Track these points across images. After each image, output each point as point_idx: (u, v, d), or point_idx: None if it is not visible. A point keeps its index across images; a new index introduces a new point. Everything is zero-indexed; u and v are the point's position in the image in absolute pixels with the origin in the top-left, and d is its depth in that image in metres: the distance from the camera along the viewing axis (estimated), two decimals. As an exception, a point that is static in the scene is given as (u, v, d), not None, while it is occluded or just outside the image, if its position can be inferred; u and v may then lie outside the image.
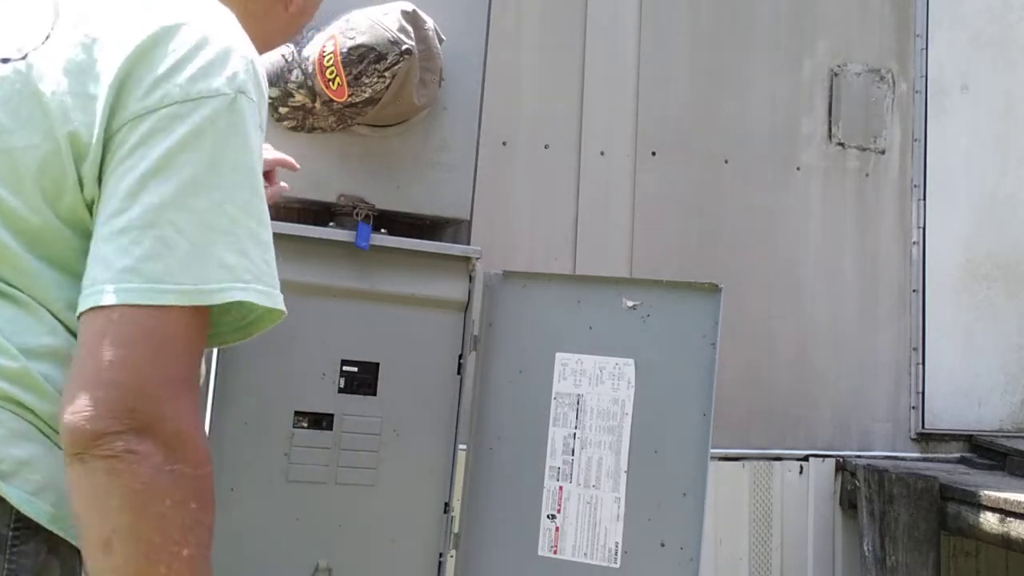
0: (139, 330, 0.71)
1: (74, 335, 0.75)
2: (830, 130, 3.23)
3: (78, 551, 0.73)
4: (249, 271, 0.77)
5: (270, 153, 1.42)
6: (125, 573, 0.69)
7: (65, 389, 0.71)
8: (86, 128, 0.76)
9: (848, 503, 3.03)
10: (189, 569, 0.70)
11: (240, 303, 0.77)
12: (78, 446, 0.69)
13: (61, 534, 0.74)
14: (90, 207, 0.77)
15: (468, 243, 1.79)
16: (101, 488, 0.69)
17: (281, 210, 1.67)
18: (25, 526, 0.73)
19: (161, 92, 0.76)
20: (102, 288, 0.71)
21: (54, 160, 0.76)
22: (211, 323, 0.79)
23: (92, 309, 0.71)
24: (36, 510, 0.73)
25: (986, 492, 2.62)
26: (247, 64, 0.80)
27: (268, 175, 1.45)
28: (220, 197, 0.75)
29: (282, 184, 1.42)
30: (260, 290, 0.77)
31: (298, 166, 1.48)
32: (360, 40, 1.49)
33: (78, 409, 0.69)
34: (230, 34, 0.81)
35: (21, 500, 0.73)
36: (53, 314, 0.77)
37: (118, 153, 0.75)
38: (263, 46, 0.96)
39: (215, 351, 1.58)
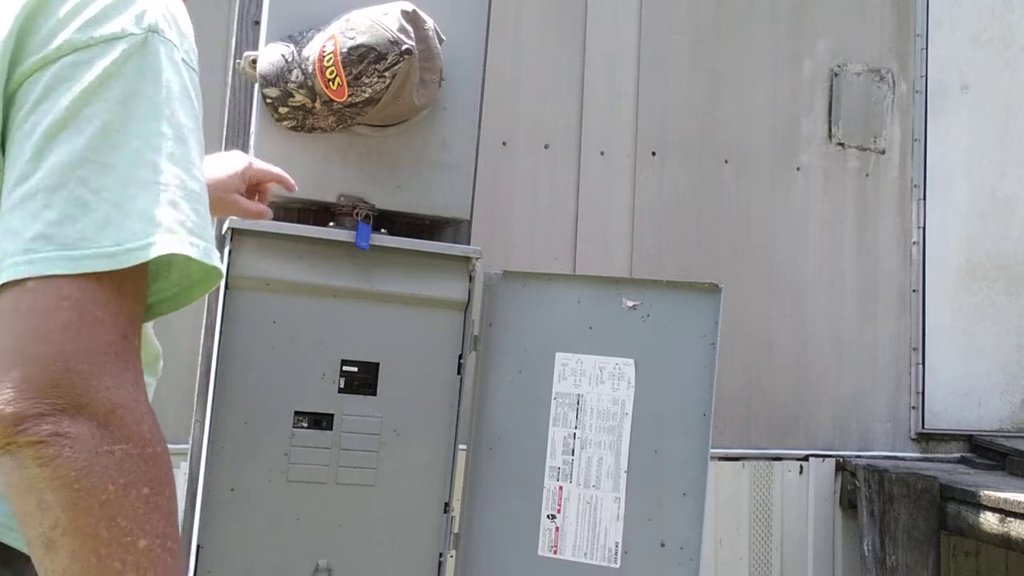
0: (56, 300, 0.63)
1: None
2: (830, 130, 3.23)
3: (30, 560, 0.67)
4: (180, 223, 0.68)
5: (264, 165, 1.39)
6: (74, 574, 0.61)
7: None
8: None
9: (848, 503, 3.04)
10: (149, 561, 0.63)
11: (173, 265, 0.70)
12: (1, 436, 0.61)
13: (11, 544, 0.70)
14: None
15: (468, 243, 1.79)
16: (34, 480, 0.61)
17: (281, 210, 1.67)
18: None
19: (60, 39, 0.67)
20: (11, 262, 0.63)
21: None
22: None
23: (3, 286, 0.63)
24: (4, 532, 0.68)
25: (986, 492, 2.62)
26: (156, 1, 0.72)
27: (262, 189, 1.43)
28: (138, 146, 0.68)
29: (266, 209, 1.40)
30: (194, 243, 0.69)
31: (294, 184, 1.46)
32: (360, 40, 1.49)
33: None
34: None
35: None
36: None
37: (20, 114, 0.67)
38: None
39: (214, 350, 1.58)
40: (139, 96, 0.69)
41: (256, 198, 1.41)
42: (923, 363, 3.25)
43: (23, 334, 0.62)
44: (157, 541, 0.64)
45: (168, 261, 0.69)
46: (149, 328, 0.86)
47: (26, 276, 0.63)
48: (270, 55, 1.57)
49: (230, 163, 1.35)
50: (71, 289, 0.63)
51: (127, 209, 0.66)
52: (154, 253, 0.66)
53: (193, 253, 0.68)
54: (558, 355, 1.78)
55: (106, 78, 0.68)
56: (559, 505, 1.75)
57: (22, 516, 0.63)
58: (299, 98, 1.56)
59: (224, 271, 0.70)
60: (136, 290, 0.68)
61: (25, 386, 0.61)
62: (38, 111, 0.66)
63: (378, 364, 1.67)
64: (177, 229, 0.68)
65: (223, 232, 1.63)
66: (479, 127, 1.75)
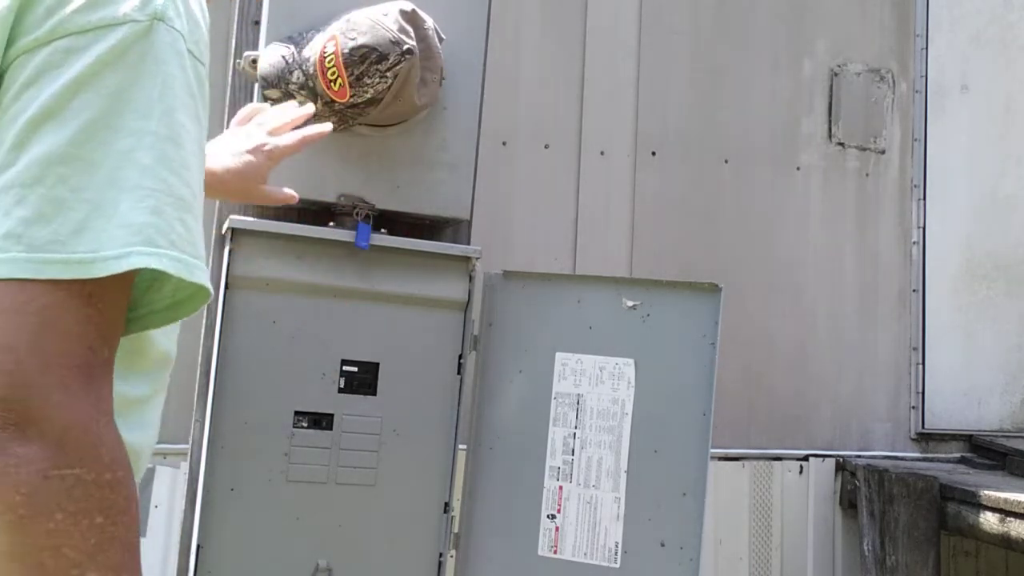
0: (17, 306, 0.57)
1: None
2: (830, 130, 3.23)
3: None
4: (163, 234, 0.62)
5: (281, 141, 1.24)
6: None
7: None
8: None
9: (848, 503, 3.04)
10: None
11: (168, 276, 0.64)
12: None
13: None
14: None
15: (468, 243, 1.79)
16: None
17: (281, 210, 1.67)
18: None
19: (56, 20, 0.62)
20: None
21: None
22: (135, 300, 0.66)
23: None
24: None
25: (986, 492, 2.62)
26: None
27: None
28: (127, 145, 0.62)
29: (287, 190, 1.29)
30: (176, 258, 0.63)
31: (296, 197, 1.34)
32: (361, 40, 1.49)
33: None
34: None
35: None
36: None
37: (6, 97, 0.62)
38: None
39: (214, 350, 1.58)
40: (134, 89, 0.63)
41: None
42: (923, 363, 3.25)
43: None
44: (110, 575, 0.59)
45: (154, 272, 0.64)
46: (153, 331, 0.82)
47: None
48: (270, 56, 1.57)
49: (242, 146, 1.24)
50: (35, 293, 0.58)
51: (107, 213, 0.60)
52: (129, 265, 0.60)
53: (172, 269, 0.62)
54: (558, 355, 1.78)
55: (101, 68, 0.62)
56: (559, 505, 1.75)
57: None
58: (301, 99, 1.56)
59: (211, 289, 0.68)
60: (112, 300, 0.62)
61: None
62: (24, 97, 0.61)
63: (378, 364, 1.67)
64: (160, 241, 0.62)
65: (223, 232, 1.63)
66: (479, 127, 1.75)
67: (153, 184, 0.62)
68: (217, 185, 1.20)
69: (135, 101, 0.63)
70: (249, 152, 1.23)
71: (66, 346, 0.59)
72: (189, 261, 0.64)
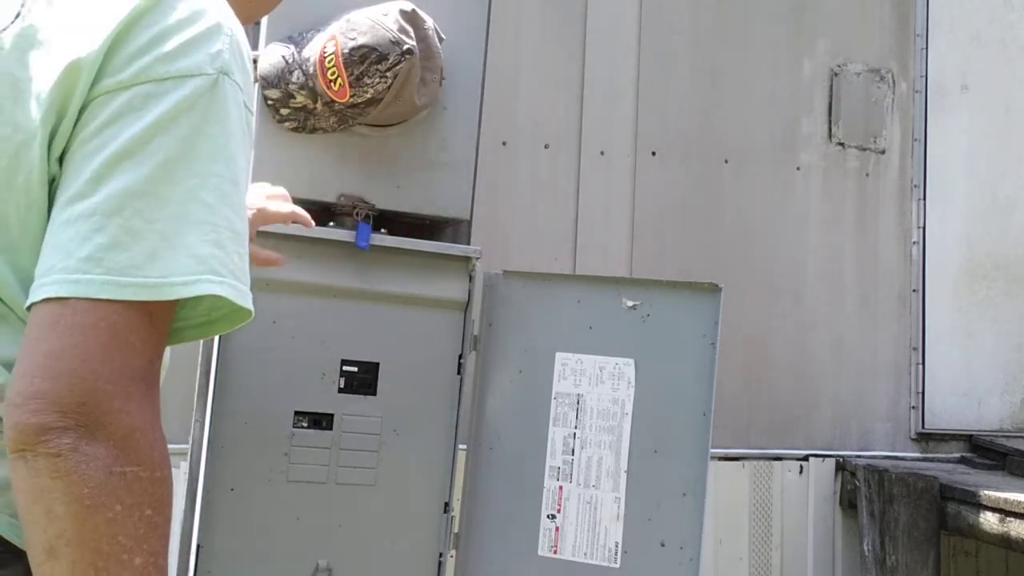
0: (93, 321, 0.65)
1: None
2: (830, 130, 3.23)
3: None
4: (224, 264, 0.70)
5: (278, 206, 1.36)
6: None
7: (11, 381, 0.65)
8: (60, 103, 0.69)
9: (848, 503, 3.04)
10: None
11: (204, 297, 0.71)
12: (21, 442, 0.63)
13: (15, 543, 0.70)
14: (50, 185, 0.70)
15: (468, 243, 1.79)
16: (45, 490, 0.63)
17: (281, 210, 1.67)
18: (6, 550, 0.70)
19: (137, 67, 0.69)
20: (58, 278, 0.66)
21: (24, 148, 0.70)
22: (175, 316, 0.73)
23: (45, 300, 0.65)
24: (18, 533, 0.68)
25: (986, 492, 2.62)
26: (232, 42, 0.74)
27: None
28: (195, 184, 0.70)
29: (279, 257, 1.39)
30: (234, 285, 0.71)
31: (313, 223, 1.44)
32: (361, 40, 1.49)
33: (21, 401, 0.63)
34: (218, 9, 0.75)
35: (2, 524, 0.69)
36: (20, 318, 0.71)
37: (85, 131, 0.69)
38: (245, 19, 0.89)
39: (214, 351, 1.58)
40: (203, 135, 0.71)
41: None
42: (923, 363, 3.25)
43: (59, 349, 0.64)
44: (151, 559, 0.66)
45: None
46: None
47: (71, 295, 0.65)
48: (270, 56, 1.57)
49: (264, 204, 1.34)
50: (108, 312, 0.66)
51: (176, 244, 0.68)
52: (197, 291, 0.68)
53: (233, 296, 0.71)
54: (558, 355, 1.78)
55: (176, 114, 0.69)
56: (559, 505, 1.75)
57: (28, 520, 0.64)
58: (300, 99, 1.56)
59: (253, 311, 0.75)
60: (165, 319, 0.70)
61: (51, 401, 0.63)
62: (104, 133, 0.68)
63: (378, 364, 1.67)
64: (221, 271, 0.70)
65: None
66: (479, 127, 1.75)
67: (216, 220, 0.70)
68: None
69: (204, 145, 0.71)
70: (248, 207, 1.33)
71: (132, 360, 0.67)
72: (242, 289, 0.73)
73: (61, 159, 0.70)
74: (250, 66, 0.79)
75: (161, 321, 0.69)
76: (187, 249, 0.68)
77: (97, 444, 0.64)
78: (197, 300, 0.72)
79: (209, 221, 0.70)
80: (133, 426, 0.66)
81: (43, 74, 0.70)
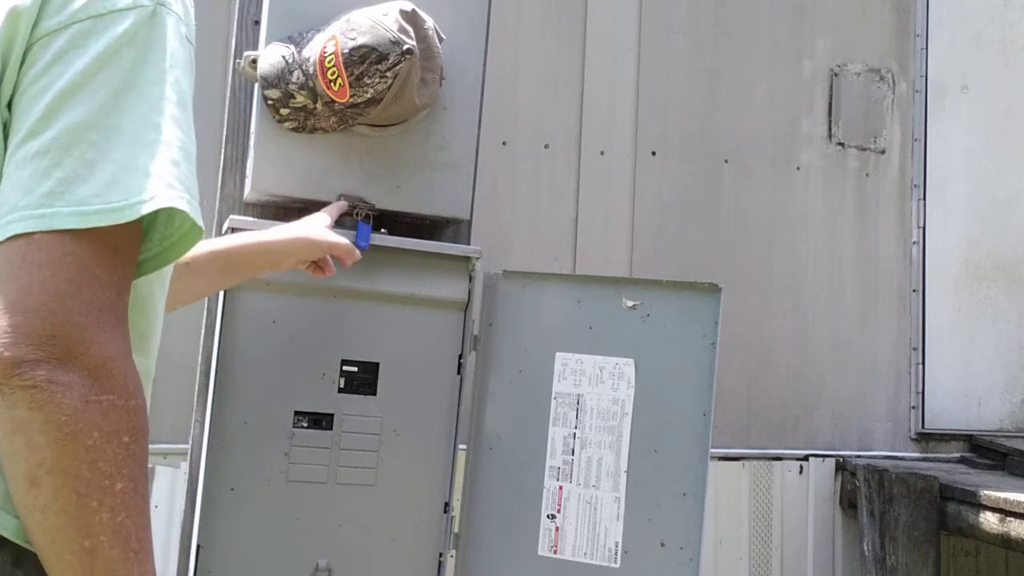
0: (61, 254, 0.67)
1: None
2: (830, 130, 3.23)
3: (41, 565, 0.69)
4: (180, 180, 0.73)
5: (331, 236, 1.45)
6: (55, 509, 0.66)
7: None
8: (3, 49, 0.71)
9: (848, 503, 3.04)
10: (122, 503, 0.68)
11: (154, 224, 0.74)
12: None
13: (27, 546, 0.70)
14: (3, 131, 0.72)
15: (468, 243, 1.79)
16: (24, 421, 0.65)
17: (282, 210, 1.67)
18: None
19: (75, 6, 0.72)
20: (22, 215, 0.67)
21: None
22: None
23: (11, 239, 0.67)
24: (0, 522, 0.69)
25: (986, 492, 2.62)
26: None
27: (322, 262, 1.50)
28: (144, 110, 0.72)
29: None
30: (189, 201, 0.73)
31: (359, 256, 1.51)
32: (361, 40, 1.49)
33: None
34: None
35: None
36: None
37: (30, 73, 0.71)
38: None
39: (214, 351, 1.58)
40: (146, 63, 0.73)
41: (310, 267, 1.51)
42: (923, 363, 3.25)
43: (28, 285, 0.66)
44: (131, 485, 0.69)
45: (150, 221, 0.74)
46: (158, 301, 0.86)
47: (36, 230, 0.67)
48: (270, 56, 1.57)
49: (312, 232, 1.45)
50: (74, 246, 0.67)
51: (132, 168, 0.70)
52: (156, 205, 0.70)
53: (188, 208, 0.72)
54: (558, 355, 1.78)
55: (118, 48, 0.72)
56: (559, 505, 1.75)
57: (8, 453, 0.67)
58: (300, 99, 1.56)
59: (203, 228, 0.77)
60: (130, 250, 0.72)
61: (25, 333, 0.65)
62: (50, 73, 0.70)
63: (378, 364, 1.67)
64: (176, 185, 0.72)
65: (224, 231, 1.63)
66: (479, 127, 1.75)
67: (167, 139, 0.73)
68: (279, 235, 1.44)
69: (148, 72, 0.73)
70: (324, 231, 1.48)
71: (100, 292, 0.69)
72: (195, 205, 0.74)
73: (10, 105, 0.71)
74: (190, 1, 0.82)
75: (126, 254, 0.72)
76: (142, 170, 0.70)
77: (71, 374, 0.66)
78: (151, 228, 0.75)
79: (162, 140, 0.72)
80: (105, 356, 0.68)
81: None
